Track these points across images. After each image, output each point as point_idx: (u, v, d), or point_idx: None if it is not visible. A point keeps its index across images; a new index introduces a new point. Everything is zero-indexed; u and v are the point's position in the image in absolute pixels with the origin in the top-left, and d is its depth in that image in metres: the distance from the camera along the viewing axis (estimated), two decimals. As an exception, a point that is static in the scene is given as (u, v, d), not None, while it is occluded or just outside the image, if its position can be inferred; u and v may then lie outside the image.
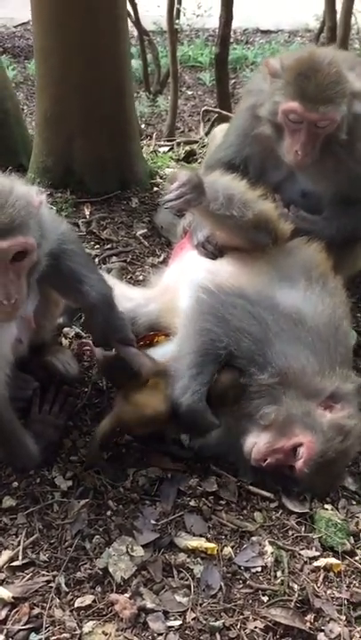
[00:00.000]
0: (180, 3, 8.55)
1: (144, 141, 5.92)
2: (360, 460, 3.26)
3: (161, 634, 2.52)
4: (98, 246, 4.32)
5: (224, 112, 6.31)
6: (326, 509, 3.02)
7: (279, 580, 2.73)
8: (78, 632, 2.49)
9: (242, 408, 3.06)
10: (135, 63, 11.22)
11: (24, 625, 2.51)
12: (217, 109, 7.10)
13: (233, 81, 8.75)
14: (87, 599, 2.60)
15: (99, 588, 2.65)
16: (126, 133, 4.70)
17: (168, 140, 6.23)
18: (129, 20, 9.20)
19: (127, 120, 4.68)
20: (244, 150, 3.82)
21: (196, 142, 6.03)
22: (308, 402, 2.97)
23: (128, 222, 4.54)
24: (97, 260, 4.16)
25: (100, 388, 3.44)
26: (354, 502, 3.10)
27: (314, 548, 2.88)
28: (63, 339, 3.62)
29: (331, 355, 3.09)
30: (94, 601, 2.60)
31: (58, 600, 2.59)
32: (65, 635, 2.48)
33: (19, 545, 2.75)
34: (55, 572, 2.67)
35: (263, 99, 3.59)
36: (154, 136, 6.20)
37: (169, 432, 3.19)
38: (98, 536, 2.80)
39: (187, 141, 6.14)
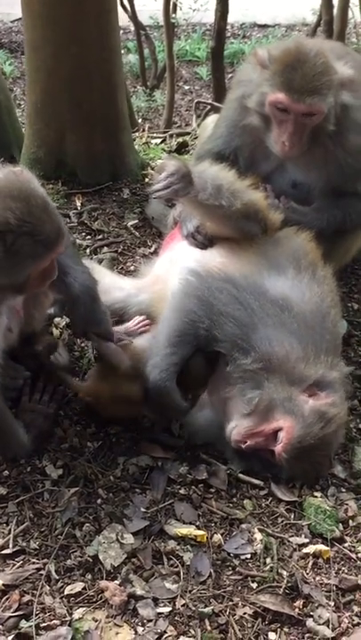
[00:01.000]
0: (176, -3, 8.55)
1: (137, 133, 5.92)
2: (349, 448, 3.27)
3: (151, 620, 2.54)
4: (89, 237, 4.33)
5: (216, 104, 6.30)
6: (316, 497, 3.04)
7: (268, 567, 2.75)
8: (68, 619, 2.51)
9: (227, 392, 3.07)
10: (132, 58, 11.27)
11: (14, 612, 2.52)
12: (209, 101, 7.09)
13: (230, 75, 8.75)
14: (77, 586, 2.62)
15: (89, 576, 2.67)
16: (117, 125, 4.70)
17: (160, 132, 6.22)
18: (126, 15, 9.31)
19: (118, 111, 4.68)
20: (233, 141, 3.81)
21: (189, 134, 6.03)
22: (291, 388, 2.99)
23: (119, 213, 4.55)
24: (88, 250, 4.17)
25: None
26: (343, 490, 3.11)
27: (303, 535, 2.90)
28: (54, 329, 3.63)
29: (316, 342, 3.10)
30: (84, 588, 2.62)
31: (48, 587, 2.61)
32: (55, 621, 2.50)
33: (9, 533, 2.77)
34: (45, 560, 2.69)
35: (251, 89, 3.58)
36: (146, 128, 6.18)
37: (159, 421, 3.21)
38: (88, 524, 2.82)
39: (179, 133, 6.14)
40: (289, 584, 2.70)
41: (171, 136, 5.95)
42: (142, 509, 2.90)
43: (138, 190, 4.74)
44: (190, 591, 2.64)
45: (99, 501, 2.91)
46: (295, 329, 3.07)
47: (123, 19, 9.62)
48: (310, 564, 2.80)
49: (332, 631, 2.57)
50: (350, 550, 2.87)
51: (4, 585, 2.60)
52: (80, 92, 4.46)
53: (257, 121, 3.61)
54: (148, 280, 3.66)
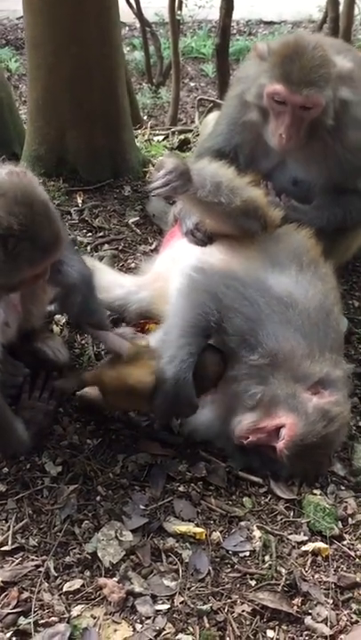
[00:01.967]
0: (181, -6, 8.55)
1: (139, 130, 5.91)
2: (349, 446, 3.27)
3: (149, 617, 2.54)
4: (90, 234, 4.33)
5: (219, 101, 6.28)
6: (315, 494, 3.03)
7: (267, 565, 2.75)
8: (67, 616, 2.51)
9: (230, 389, 3.07)
10: (138, 55, 11.26)
11: (13, 609, 2.53)
12: (212, 98, 7.08)
13: (235, 72, 8.72)
14: (76, 583, 2.62)
15: (87, 573, 2.67)
16: (118, 122, 4.69)
17: (163, 129, 6.21)
18: (131, 12, 9.31)
19: (119, 108, 4.68)
20: (233, 138, 3.80)
21: (191, 131, 6.00)
22: (295, 385, 2.98)
23: (120, 210, 4.55)
24: (89, 248, 4.17)
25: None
26: (343, 487, 3.11)
27: (302, 533, 2.90)
28: (54, 326, 3.63)
29: (321, 339, 3.09)
30: (83, 585, 2.62)
31: (47, 584, 2.62)
32: (53, 618, 2.50)
33: (8, 530, 2.77)
34: (44, 557, 2.70)
35: (250, 83, 3.58)
36: (148, 125, 6.17)
37: (163, 419, 3.20)
38: (87, 521, 2.82)
39: (181, 130, 6.12)
40: (288, 582, 2.70)
41: (173, 133, 5.94)
42: (141, 507, 2.90)
43: (139, 187, 4.74)
44: (189, 588, 2.64)
45: (98, 498, 2.91)
46: (300, 325, 3.07)
47: (128, 16, 9.70)
48: (309, 561, 2.80)
49: (331, 629, 2.57)
50: (349, 548, 2.87)
51: (2, 582, 2.60)
52: (81, 89, 4.46)
53: (256, 115, 3.59)
54: (149, 277, 3.66)
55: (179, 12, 8.66)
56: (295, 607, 2.63)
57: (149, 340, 3.21)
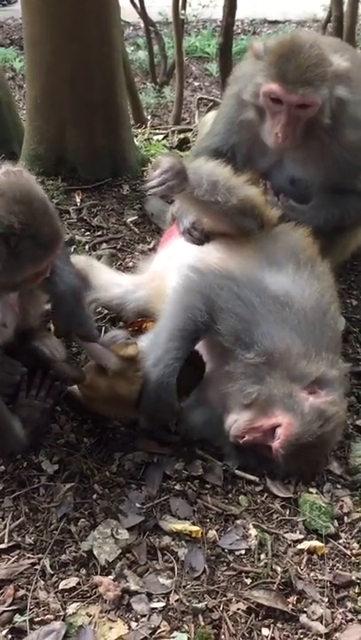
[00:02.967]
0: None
1: (139, 129, 5.92)
2: (345, 445, 3.27)
3: (144, 615, 2.54)
4: (88, 233, 4.34)
5: (218, 100, 6.28)
6: (311, 493, 3.03)
7: (263, 563, 2.75)
8: (62, 613, 2.52)
9: (227, 388, 3.07)
10: (141, 54, 11.26)
11: (8, 606, 2.53)
12: (212, 97, 7.07)
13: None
14: (72, 581, 2.63)
15: (83, 571, 2.67)
16: (118, 121, 4.70)
17: (163, 128, 6.22)
18: (135, 11, 9.30)
19: (118, 107, 4.68)
20: (231, 138, 3.80)
21: (190, 130, 6.01)
22: (292, 384, 2.97)
23: (119, 209, 4.55)
24: (87, 246, 4.18)
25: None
26: (339, 486, 3.11)
27: (298, 531, 2.90)
28: (51, 325, 3.62)
29: (318, 338, 3.09)
30: (79, 583, 2.63)
31: (43, 582, 2.62)
32: (49, 616, 2.50)
33: (5, 528, 2.78)
34: (40, 555, 2.70)
35: (247, 82, 3.57)
36: (148, 124, 6.17)
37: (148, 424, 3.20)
38: (83, 519, 2.82)
39: (181, 129, 6.12)
40: (283, 580, 2.70)
41: (173, 132, 5.94)
42: (137, 505, 2.90)
43: (138, 186, 4.74)
44: (184, 586, 2.64)
45: (94, 497, 2.91)
46: (296, 325, 3.06)
47: (132, 15, 9.71)
48: (305, 560, 2.79)
49: (326, 627, 2.57)
50: (345, 547, 2.87)
51: (-2, 579, 2.61)
52: (80, 88, 4.47)
53: (253, 114, 3.59)
54: (146, 276, 3.67)
55: (183, 12, 8.63)
56: (290, 605, 2.63)
57: (140, 343, 3.20)
